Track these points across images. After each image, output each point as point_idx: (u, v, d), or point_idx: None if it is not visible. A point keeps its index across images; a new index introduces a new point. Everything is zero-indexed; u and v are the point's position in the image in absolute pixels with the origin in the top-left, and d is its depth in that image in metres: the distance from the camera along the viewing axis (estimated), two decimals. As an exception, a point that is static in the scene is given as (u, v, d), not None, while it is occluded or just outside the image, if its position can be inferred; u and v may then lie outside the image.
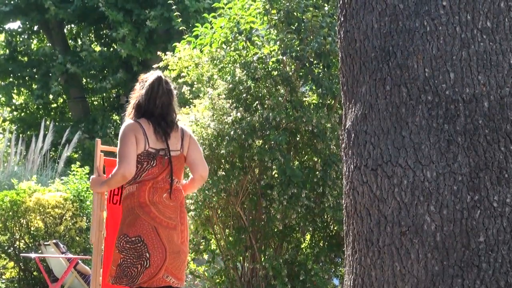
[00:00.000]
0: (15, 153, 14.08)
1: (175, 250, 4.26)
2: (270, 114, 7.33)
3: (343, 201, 3.95)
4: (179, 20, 9.64)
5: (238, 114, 7.35)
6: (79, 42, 20.62)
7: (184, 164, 4.49)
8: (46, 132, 14.44)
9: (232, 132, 7.25)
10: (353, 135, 3.83)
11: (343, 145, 3.97)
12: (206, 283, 8.53)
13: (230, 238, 7.85)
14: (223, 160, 7.58)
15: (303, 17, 7.83)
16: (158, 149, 4.33)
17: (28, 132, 19.56)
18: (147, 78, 4.46)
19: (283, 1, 7.79)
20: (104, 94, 20.80)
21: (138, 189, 4.29)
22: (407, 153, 3.58)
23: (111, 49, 19.15)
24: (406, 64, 3.66)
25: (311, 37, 7.77)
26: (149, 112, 4.39)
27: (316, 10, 7.82)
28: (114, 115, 20.21)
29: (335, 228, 7.83)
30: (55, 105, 21.53)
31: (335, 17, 7.71)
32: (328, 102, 8.02)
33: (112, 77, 18.35)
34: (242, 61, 7.77)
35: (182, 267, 4.32)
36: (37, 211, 9.81)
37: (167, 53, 8.32)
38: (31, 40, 21.06)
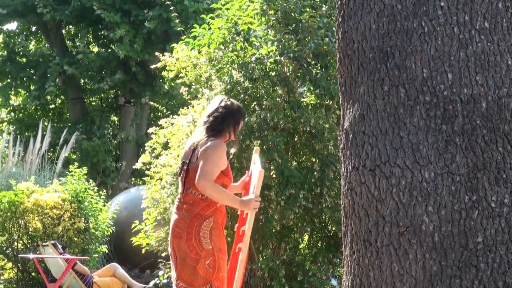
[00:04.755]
0: (13, 154, 14.05)
1: (182, 257, 4.38)
2: (268, 114, 7.33)
3: (341, 201, 3.95)
4: (178, 21, 9.63)
5: (236, 115, 7.35)
6: (77, 43, 20.57)
7: None
8: (44, 133, 14.42)
9: (230, 133, 7.25)
10: (351, 135, 3.83)
11: (341, 146, 3.97)
12: (204, 284, 8.51)
13: (228, 238, 7.84)
14: (221, 161, 7.57)
15: (301, 17, 7.83)
16: (182, 162, 4.48)
17: (26, 133, 19.50)
18: None
19: (281, 2, 7.79)
20: (102, 95, 20.76)
21: None
22: (405, 153, 3.58)
23: (109, 50, 19.10)
24: (404, 64, 3.66)
25: (309, 37, 7.77)
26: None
27: (314, 11, 7.82)
28: (112, 116, 20.16)
29: (333, 228, 7.83)
30: (53, 106, 21.49)
31: (332, 17, 7.71)
32: (326, 102, 8.02)
33: (110, 78, 18.30)
34: (240, 62, 7.77)
35: (185, 270, 4.36)
36: (35, 212, 9.79)
37: (165, 54, 8.32)
38: (29, 41, 21.02)
